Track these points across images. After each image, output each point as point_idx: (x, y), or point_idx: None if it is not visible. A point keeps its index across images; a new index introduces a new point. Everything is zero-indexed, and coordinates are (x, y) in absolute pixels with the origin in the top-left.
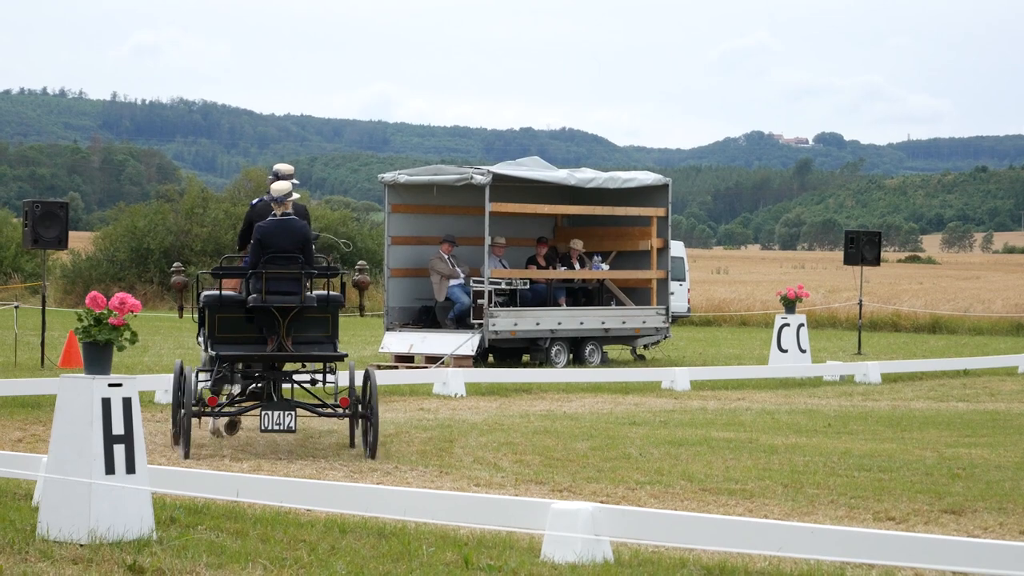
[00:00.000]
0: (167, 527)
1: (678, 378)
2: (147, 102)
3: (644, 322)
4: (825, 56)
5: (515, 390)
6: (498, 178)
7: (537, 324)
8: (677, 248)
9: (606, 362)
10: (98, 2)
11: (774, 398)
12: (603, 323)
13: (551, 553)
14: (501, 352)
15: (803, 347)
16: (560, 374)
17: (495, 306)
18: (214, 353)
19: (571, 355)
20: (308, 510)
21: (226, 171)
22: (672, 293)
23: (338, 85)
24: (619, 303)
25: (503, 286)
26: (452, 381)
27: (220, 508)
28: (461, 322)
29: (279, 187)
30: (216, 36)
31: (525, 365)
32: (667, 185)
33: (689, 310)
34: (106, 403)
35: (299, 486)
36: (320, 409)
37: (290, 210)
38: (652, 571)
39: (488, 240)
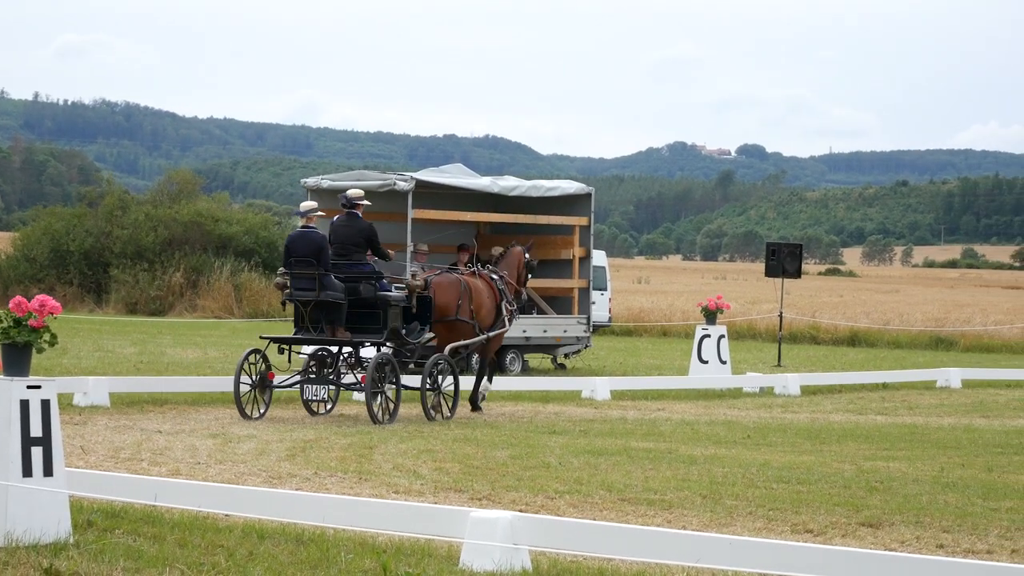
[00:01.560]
0: (84, 531)
1: (598, 388)
2: (69, 103)
3: (565, 331)
4: (749, 68)
5: None
6: (421, 184)
7: None
8: (599, 257)
9: (527, 371)
10: (23, 2)
11: (694, 409)
12: (524, 332)
13: (469, 561)
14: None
15: (723, 358)
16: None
17: None
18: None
19: None
20: (226, 515)
21: (148, 173)
22: (593, 302)
23: (262, 89)
24: (540, 312)
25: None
26: None
27: (138, 512)
28: None
29: (304, 205)
30: (140, 38)
31: None
32: (590, 194)
33: (610, 320)
34: (24, 405)
35: (217, 491)
36: (345, 384)
37: (313, 223)
38: None
39: (410, 247)
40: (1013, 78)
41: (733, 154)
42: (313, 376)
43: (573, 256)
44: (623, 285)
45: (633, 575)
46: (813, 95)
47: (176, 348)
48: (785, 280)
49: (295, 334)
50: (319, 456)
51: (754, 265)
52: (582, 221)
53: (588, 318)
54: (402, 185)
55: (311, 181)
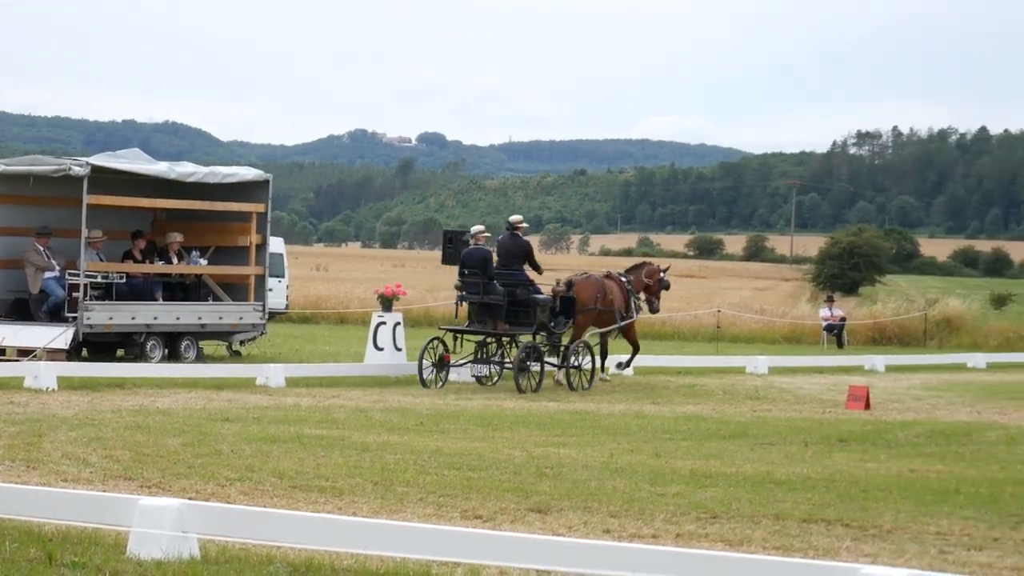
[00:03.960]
0: None
1: (273, 375)
2: None
3: (241, 318)
4: (431, 57)
5: (108, 385)
6: (97, 170)
7: (133, 318)
8: (277, 244)
9: (202, 358)
10: None
11: (369, 396)
12: (200, 318)
13: (137, 550)
14: (96, 346)
15: (399, 345)
16: (155, 369)
17: (90, 299)
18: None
19: (167, 350)
20: None
21: None
22: (270, 289)
23: None
24: (216, 299)
25: (99, 279)
26: (44, 375)
27: None
28: (55, 315)
29: (473, 228)
30: None
31: (120, 359)
32: (267, 181)
33: (287, 307)
34: None
35: None
36: (503, 364)
37: (481, 242)
38: (239, 568)
39: (85, 233)
40: (690, 69)
41: (414, 142)
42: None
43: (250, 243)
44: (301, 272)
45: (302, 562)
46: (493, 84)
47: None
48: None
49: (467, 326)
50: None
51: (433, 253)
52: (259, 208)
53: (264, 305)
54: (77, 170)
55: None
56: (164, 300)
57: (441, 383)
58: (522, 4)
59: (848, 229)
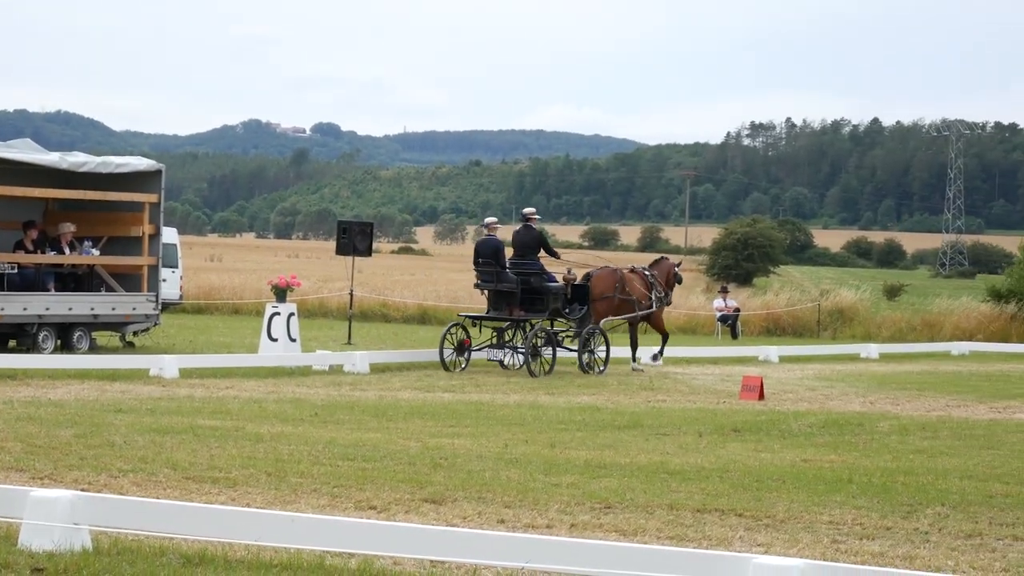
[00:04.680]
0: None
1: (166, 365)
2: None
3: (134, 308)
4: (325, 47)
5: (0, 376)
6: None
7: (24, 309)
8: (170, 235)
9: (94, 349)
10: None
11: (263, 387)
12: (92, 309)
13: (28, 542)
14: None
15: (293, 336)
16: (47, 360)
17: None
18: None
19: (59, 341)
20: None
21: None
22: (164, 280)
23: None
24: (109, 289)
25: None
26: None
27: None
28: None
29: (487, 220)
30: None
31: (12, 351)
32: (160, 171)
33: (181, 297)
34: None
35: None
36: (519, 349)
37: (494, 233)
38: (131, 559)
39: None
40: (584, 60)
41: (308, 132)
42: (496, 343)
43: (143, 233)
44: (195, 263)
45: (195, 553)
46: (388, 74)
47: None
48: (356, 258)
49: (485, 313)
50: None
51: (327, 243)
52: (152, 198)
53: (157, 296)
54: None
55: None
56: (56, 291)
57: (462, 366)
58: None
59: (742, 220)
